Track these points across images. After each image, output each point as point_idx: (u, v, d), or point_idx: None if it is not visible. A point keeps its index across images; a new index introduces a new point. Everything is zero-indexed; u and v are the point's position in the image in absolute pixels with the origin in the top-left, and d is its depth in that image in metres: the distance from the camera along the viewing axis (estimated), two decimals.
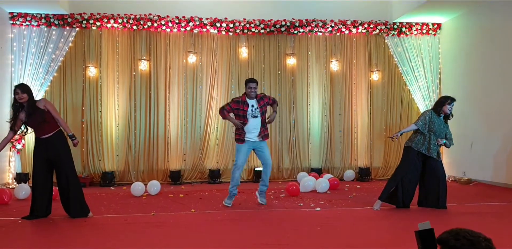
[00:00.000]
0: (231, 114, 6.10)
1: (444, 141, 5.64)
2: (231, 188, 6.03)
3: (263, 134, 6.02)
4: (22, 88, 5.28)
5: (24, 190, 6.86)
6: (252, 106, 5.95)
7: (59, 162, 5.24)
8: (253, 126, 5.95)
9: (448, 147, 5.78)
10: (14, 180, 8.30)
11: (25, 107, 5.25)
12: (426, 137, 5.62)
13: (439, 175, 5.71)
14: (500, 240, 4.01)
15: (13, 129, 5.33)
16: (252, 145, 6.02)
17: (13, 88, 8.29)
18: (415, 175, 5.71)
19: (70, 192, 5.24)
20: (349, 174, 9.15)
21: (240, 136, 5.99)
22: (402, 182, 5.67)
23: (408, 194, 5.72)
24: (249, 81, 6.06)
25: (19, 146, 8.38)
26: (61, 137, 5.33)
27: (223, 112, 6.03)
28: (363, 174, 9.20)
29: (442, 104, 5.65)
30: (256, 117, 5.96)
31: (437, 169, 5.71)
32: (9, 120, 5.45)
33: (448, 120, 5.79)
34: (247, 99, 5.99)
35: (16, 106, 5.30)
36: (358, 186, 8.14)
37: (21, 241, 4.16)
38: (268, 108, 6.27)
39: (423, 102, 9.48)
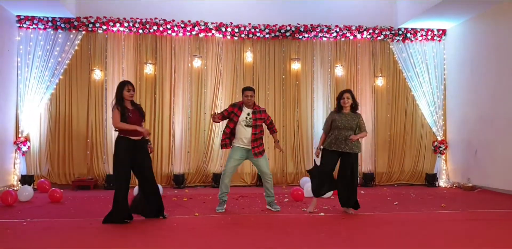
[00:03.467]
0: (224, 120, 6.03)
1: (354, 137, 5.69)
2: (220, 195, 5.90)
3: (256, 151, 5.79)
4: (133, 86, 5.30)
5: (27, 192, 6.88)
6: (248, 114, 5.85)
7: (144, 165, 5.22)
8: (243, 135, 5.80)
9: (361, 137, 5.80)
10: (19, 182, 8.34)
11: (132, 105, 5.30)
12: (333, 135, 5.72)
13: (349, 174, 5.72)
14: (505, 248, 4.00)
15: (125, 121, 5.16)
16: (245, 155, 5.88)
17: (19, 90, 8.45)
18: (330, 168, 5.76)
19: (157, 193, 5.32)
20: None
21: (224, 141, 5.84)
22: (319, 178, 5.77)
23: (321, 185, 5.77)
24: (245, 89, 5.93)
25: (24, 148, 8.42)
26: (145, 142, 5.35)
27: (216, 115, 5.76)
28: (367, 179, 9.18)
29: (338, 99, 5.86)
30: (249, 126, 5.81)
31: (346, 168, 5.72)
32: (121, 114, 5.13)
33: (357, 111, 5.90)
34: (244, 107, 5.91)
35: (121, 102, 5.16)
36: (362, 192, 8.11)
37: (25, 243, 4.17)
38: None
39: (427, 108, 9.48)
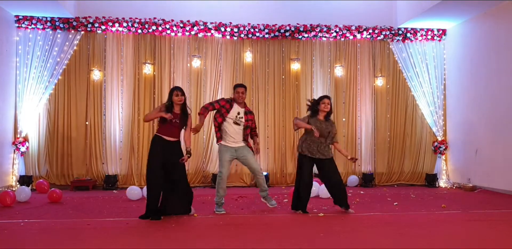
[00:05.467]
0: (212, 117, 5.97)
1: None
2: (219, 200, 5.77)
3: (254, 148, 5.91)
4: (183, 91, 5.49)
5: (25, 193, 6.85)
6: (238, 113, 5.78)
7: (177, 166, 5.40)
8: (233, 132, 5.73)
9: (331, 144, 5.88)
10: (18, 183, 8.31)
11: (181, 111, 5.47)
12: (308, 141, 5.74)
13: (331, 176, 5.77)
14: (506, 248, 3.98)
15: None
16: (234, 154, 5.78)
17: (17, 90, 8.44)
18: (309, 179, 5.80)
19: (185, 192, 5.51)
20: (353, 179, 9.11)
21: (219, 135, 5.78)
22: (299, 187, 5.77)
23: (304, 198, 5.80)
24: (237, 85, 5.91)
25: (23, 149, 8.39)
26: (180, 144, 5.57)
27: (206, 109, 5.71)
28: (367, 180, 9.15)
29: (317, 103, 5.83)
30: (238, 124, 5.75)
31: (329, 171, 5.76)
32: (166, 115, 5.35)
33: (331, 117, 5.98)
34: (235, 104, 5.83)
35: (170, 105, 5.42)
36: (362, 192, 8.09)
37: (23, 244, 4.14)
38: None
39: (427, 108, 9.45)
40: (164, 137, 5.36)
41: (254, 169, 5.86)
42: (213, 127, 8.84)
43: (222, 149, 5.81)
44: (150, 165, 5.32)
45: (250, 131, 5.99)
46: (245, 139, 5.88)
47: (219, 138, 5.82)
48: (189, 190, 5.58)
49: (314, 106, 5.86)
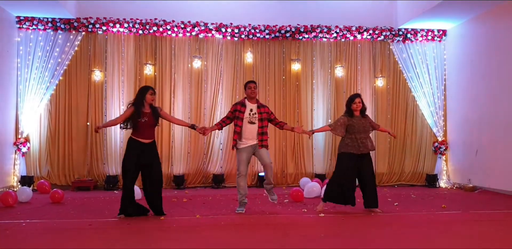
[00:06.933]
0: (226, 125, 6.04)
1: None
2: (241, 198, 5.84)
3: (264, 144, 5.84)
4: (155, 91, 5.59)
5: (26, 194, 6.86)
6: (251, 110, 5.81)
7: (152, 167, 5.44)
8: (248, 132, 5.78)
9: (377, 129, 6.37)
10: (19, 183, 8.33)
11: (151, 108, 5.50)
12: (353, 139, 5.89)
13: (367, 175, 5.93)
14: (506, 248, 3.99)
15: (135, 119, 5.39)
16: (251, 151, 5.83)
17: (19, 91, 8.46)
18: (352, 175, 5.89)
19: (160, 193, 5.58)
20: None
21: (235, 142, 5.84)
22: (341, 184, 5.80)
23: (349, 193, 5.82)
24: (248, 82, 6.02)
25: (24, 149, 8.41)
26: (155, 145, 5.60)
27: (221, 121, 5.98)
28: None
29: (349, 104, 5.93)
30: (253, 123, 5.79)
31: (364, 169, 5.94)
32: (136, 117, 5.38)
33: (366, 112, 6.10)
34: (247, 102, 5.89)
35: (139, 104, 5.41)
36: None
37: (24, 244, 4.16)
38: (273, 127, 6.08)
39: (428, 108, 9.46)
40: (140, 139, 5.41)
41: (265, 163, 5.86)
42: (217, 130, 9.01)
43: (239, 150, 5.85)
44: (124, 167, 5.43)
45: (274, 124, 6.05)
46: (260, 139, 5.85)
47: (234, 147, 5.86)
48: (160, 191, 5.63)
49: (348, 107, 5.95)
